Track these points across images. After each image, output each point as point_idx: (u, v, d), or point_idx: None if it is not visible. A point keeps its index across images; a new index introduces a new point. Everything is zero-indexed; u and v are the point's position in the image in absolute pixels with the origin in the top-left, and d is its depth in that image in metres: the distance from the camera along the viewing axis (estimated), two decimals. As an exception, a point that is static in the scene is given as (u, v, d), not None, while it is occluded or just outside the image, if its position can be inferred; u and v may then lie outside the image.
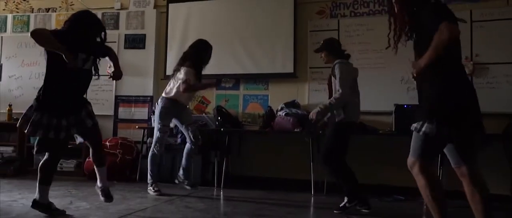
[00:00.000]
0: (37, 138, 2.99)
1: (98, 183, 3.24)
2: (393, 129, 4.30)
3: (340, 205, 3.45)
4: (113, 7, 5.96)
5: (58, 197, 3.84)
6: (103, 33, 3.05)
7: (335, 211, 3.43)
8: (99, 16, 5.94)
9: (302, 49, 5.08)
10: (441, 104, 2.10)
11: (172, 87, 4.17)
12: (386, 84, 4.74)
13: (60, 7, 6.26)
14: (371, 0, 4.98)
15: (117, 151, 5.10)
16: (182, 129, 4.27)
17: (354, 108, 3.61)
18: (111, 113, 5.75)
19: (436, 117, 2.08)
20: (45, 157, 3.05)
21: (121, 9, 5.93)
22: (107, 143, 5.16)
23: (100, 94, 5.82)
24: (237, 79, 5.41)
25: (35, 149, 3.07)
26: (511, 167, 4.24)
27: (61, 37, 2.83)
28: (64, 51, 2.68)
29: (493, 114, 4.35)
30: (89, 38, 2.99)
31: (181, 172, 4.30)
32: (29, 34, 2.69)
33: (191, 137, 4.19)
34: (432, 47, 2.04)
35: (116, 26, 5.88)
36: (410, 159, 2.23)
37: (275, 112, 4.85)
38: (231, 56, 5.26)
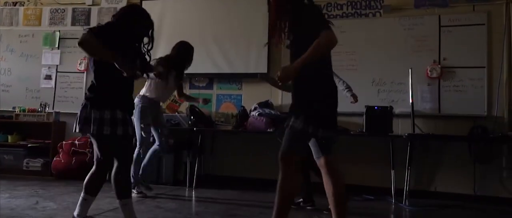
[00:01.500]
0: (102, 142, 2.53)
1: None
2: (364, 130, 4.37)
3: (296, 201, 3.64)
4: (84, 3, 5.84)
5: (23, 197, 3.74)
6: (151, 30, 2.69)
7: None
8: (70, 12, 5.82)
9: (276, 49, 5.09)
10: (309, 103, 2.23)
11: (150, 86, 4.09)
12: (358, 86, 4.74)
13: (28, 1, 6.08)
14: (344, 3, 5.05)
15: (87, 150, 5.01)
16: (152, 129, 4.17)
17: None
18: (81, 111, 5.61)
19: (304, 114, 2.20)
20: (116, 166, 2.54)
21: (93, 5, 5.81)
22: (77, 142, 5.07)
23: (70, 91, 5.71)
24: (211, 79, 5.39)
25: (100, 154, 2.56)
26: (474, 167, 4.39)
27: (109, 34, 2.47)
28: (120, 63, 2.36)
29: (459, 116, 4.50)
30: (137, 36, 2.65)
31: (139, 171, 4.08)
32: (77, 44, 2.37)
33: (162, 139, 4.13)
34: (310, 52, 2.11)
35: (87, 23, 5.77)
36: (280, 152, 2.28)
37: (248, 111, 4.86)
38: (205, 55, 5.23)
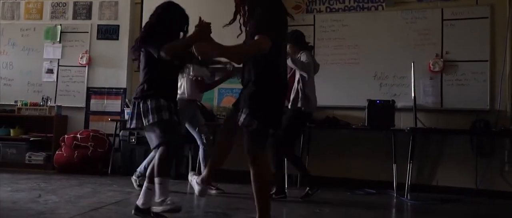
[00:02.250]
0: (161, 130, 2.57)
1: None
2: (366, 124, 4.37)
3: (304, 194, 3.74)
4: (85, -3, 5.84)
5: (26, 190, 3.76)
6: (187, 25, 2.84)
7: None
8: (71, 5, 5.81)
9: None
10: (264, 105, 2.28)
11: (185, 86, 3.95)
12: (360, 79, 4.81)
13: (29, -5, 6.07)
14: (346, -4, 5.04)
15: (89, 143, 5.01)
16: (191, 130, 4.05)
17: (312, 100, 3.78)
18: (83, 104, 5.63)
19: (263, 117, 2.26)
20: (161, 151, 2.58)
21: (94, -2, 5.81)
22: (79, 135, 5.07)
23: (71, 85, 5.70)
24: (212, 73, 5.36)
25: (164, 138, 2.57)
26: (477, 161, 4.38)
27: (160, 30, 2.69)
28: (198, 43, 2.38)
29: (462, 110, 4.49)
30: (174, 32, 2.78)
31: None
32: (166, 56, 2.54)
33: (204, 139, 4.03)
34: (234, 48, 2.26)
35: (88, 16, 5.75)
36: (248, 154, 2.33)
37: None
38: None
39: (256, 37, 2.18)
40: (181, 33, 2.79)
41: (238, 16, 2.45)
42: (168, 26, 2.75)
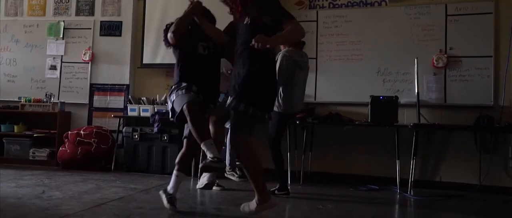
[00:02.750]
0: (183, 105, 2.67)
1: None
2: (369, 120, 4.35)
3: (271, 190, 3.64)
4: (88, -7, 5.83)
5: (30, 186, 3.76)
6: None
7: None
8: (74, 2, 5.82)
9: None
10: (254, 88, 2.44)
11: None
12: (363, 75, 4.79)
13: (32, -9, 6.07)
14: (349, -8, 5.01)
15: (92, 140, 5.02)
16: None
17: (290, 100, 3.71)
18: (86, 101, 5.64)
19: (248, 99, 2.41)
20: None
21: (97, -6, 5.81)
22: (82, 132, 5.07)
23: (74, 82, 5.70)
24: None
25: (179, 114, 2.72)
26: (480, 157, 4.37)
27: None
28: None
29: (465, 106, 4.47)
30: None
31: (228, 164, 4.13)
32: (173, 38, 2.85)
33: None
34: (283, 36, 2.44)
35: (91, 13, 5.75)
36: (232, 137, 2.51)
37: None
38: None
39: (292, 23, 2.40)
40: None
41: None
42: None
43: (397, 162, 4.19)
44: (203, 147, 2.57)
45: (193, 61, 2.92)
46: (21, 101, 5.52)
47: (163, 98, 5.17)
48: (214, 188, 3.87)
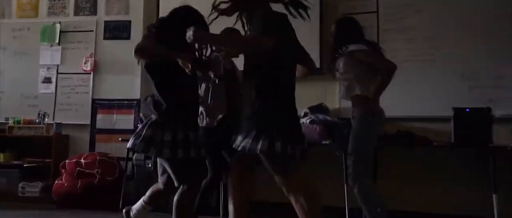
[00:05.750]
0: (174, 163, 2.82)
1: None
2: (452, 140, 4.16)
3: None
4: (89, -13, 5.94)
5: None
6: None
7: None
8: (72, -1, 5.91)
9: (328, 44, 4.98)
10: (277, 121, 2.51)
11: None
12: (440, 81, 4.66)
13: (22, -13, 6.23)
14: (420, -27, 4.91)
15: (95, 170, 5.01)
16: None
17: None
18: (87, 121, 5.67)
19: (278, 134, 2.47)
20: (182, 189, 2.87)
21: (100, -11, 5.91)
22: (83, 160, 5.09)
23: (73, 97, 5.77)
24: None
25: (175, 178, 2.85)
26: None
27: (165, 31, 2.92)
28: (181, 56, 2.76)
29: None
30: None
31: None
32: (133, 54, 2.85)
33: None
34: (239, 39, 2.73)
35: (93, 11, 5.83)
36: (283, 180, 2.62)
37: None
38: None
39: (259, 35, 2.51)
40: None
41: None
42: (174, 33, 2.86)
43: (494, 196, 3.97)
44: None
45: (177, 85, 2.88)
46: (8, 123, 5.62)
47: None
48: None
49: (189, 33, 2.43)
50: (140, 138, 2.79)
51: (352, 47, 3.48)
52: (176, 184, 2.83)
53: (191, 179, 2.83)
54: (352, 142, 3.39)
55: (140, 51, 2.80)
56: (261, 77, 2.56)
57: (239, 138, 2.55)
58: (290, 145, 2.51)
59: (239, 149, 2.53)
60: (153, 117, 2.84)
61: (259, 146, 2.44)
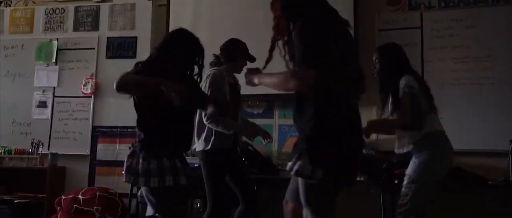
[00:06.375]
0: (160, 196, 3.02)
1: None
2: (510, 178, 4.13)
3: None
4: (91, 0, 6.03)
5: None
6: (201, 59, 3.28)
7: None
8: (71, 12, 6.02)
9: (367, 56, 4.97)
10: (327, 146, 2.44)
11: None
12: (497, 108, 4.65)
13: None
14: (471, -17, 4.90)
15: (95, 207, 5.02)
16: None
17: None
18: (87, 151, 5.73)
19: (320, 160, 2.41)
20: None
21: (102, 1, 5.98)
22: (80, 197, 5.10)
23: (71, 124, 5.83)
24: (270, 103, 5.35)
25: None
26: None
27: (150, 68, 3.06)
28: (166, 84, 2.88)
29: None
30: (186, 64, 3.23)
31: None
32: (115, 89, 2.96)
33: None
34: (280, 79, 2.56)
35: (95, 26, 5.94)
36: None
37: None
38: (260, 66, 5.19)
39: (299, 69, 2.46)
40: (196, 67, 3.22)
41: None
42: (175, 57, 3.11)
43: None
44: None
45: (165, 118, 3.04)
46: (-2, 153, 5.66)
47: (194, 146, 5.17)
48: None
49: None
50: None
51: (402, 81, 3.53)
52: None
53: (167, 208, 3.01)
54: (419, 167, 3.44)
55: (119, 83, 2.91)
56: (318, 99, 2.51)
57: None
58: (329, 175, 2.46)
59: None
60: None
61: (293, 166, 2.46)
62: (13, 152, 5.65)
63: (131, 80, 2.97)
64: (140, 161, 2.94)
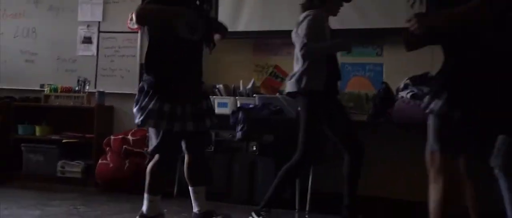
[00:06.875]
0: (160, 136, 3.27)
1: (195, 208, 3.52)
2: None
3: None
4: None
5: (58, 215, 3.93)
6: None
7: None
8: None
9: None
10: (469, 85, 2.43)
11: None
12: None
13: None
14: None
15: (145, 149, 4.95)
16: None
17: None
18: (135, 89, 5.50)
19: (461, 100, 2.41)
20: (156, 159, 3.40)
21: None
22: (130, 137, 5.10)
23: (118, 61, 5.77)
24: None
25: (152, 149, 3.44)
26: None
27: None
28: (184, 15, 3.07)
29: None
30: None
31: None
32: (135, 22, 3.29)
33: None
34: (466, 10, 2.38)
35: None
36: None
37: (394, 92, 4.66)
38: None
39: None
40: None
41: None
42: None
43: None
44: (145, 199, 3.29)
45: (173, 51, 3.19)
46: (44, 90, 5.67)
47: (249, 85, 5.01)
48: None
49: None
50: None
51: None
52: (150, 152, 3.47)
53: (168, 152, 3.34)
54: None
55: (139, 19, 3.15)
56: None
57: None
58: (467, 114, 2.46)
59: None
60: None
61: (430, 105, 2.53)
62: (59, 90, 5.62)
63: (149, 9, 3.07)
64: (152, 102, 3.11)
